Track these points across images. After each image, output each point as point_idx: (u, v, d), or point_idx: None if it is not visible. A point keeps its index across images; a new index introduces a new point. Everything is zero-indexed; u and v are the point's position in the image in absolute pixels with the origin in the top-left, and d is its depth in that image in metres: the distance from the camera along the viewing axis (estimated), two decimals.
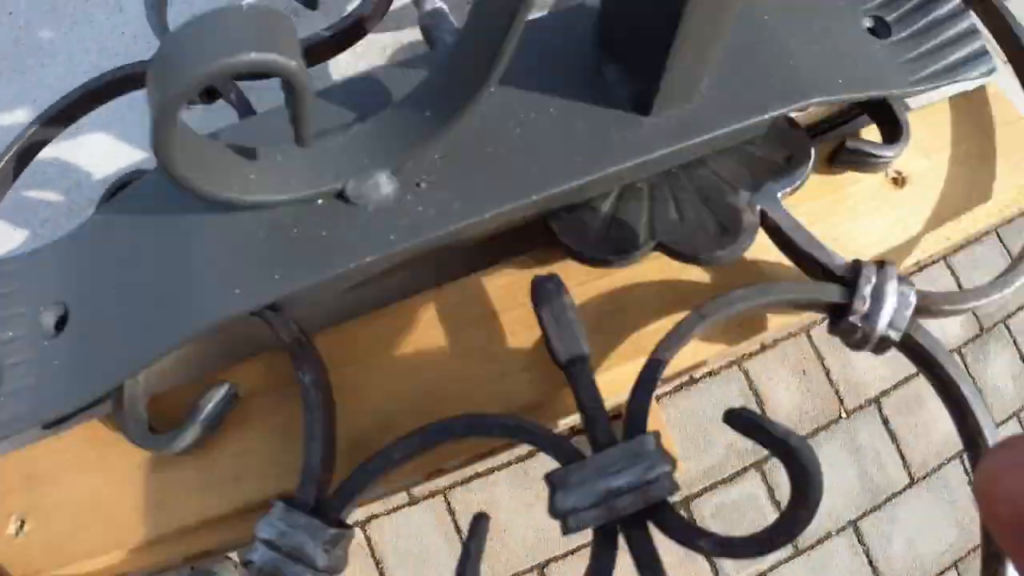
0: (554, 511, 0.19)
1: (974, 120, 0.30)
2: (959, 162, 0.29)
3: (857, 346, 0.23)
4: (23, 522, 0.25)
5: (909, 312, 0.22)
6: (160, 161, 0.17)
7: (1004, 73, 0.29)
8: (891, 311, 0.22)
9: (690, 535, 0.18)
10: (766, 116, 0.23)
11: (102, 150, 0.35)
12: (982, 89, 0.30)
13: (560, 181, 0.22)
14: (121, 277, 0.23)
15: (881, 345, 0.22)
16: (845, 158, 0.26)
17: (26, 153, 0.29)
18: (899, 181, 0.28)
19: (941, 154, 0.29)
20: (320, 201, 0.21)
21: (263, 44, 0.15)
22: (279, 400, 0.24)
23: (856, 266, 0.23)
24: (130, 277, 0.22)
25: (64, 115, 0.29)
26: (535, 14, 0.21)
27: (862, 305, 0.22)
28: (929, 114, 0.30)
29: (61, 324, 0.23)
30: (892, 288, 0.22)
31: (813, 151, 0.25)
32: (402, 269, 0.23)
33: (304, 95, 0.16)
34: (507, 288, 0.25)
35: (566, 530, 0.19)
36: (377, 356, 0.24)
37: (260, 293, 0.20)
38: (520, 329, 0.25)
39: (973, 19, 0.28)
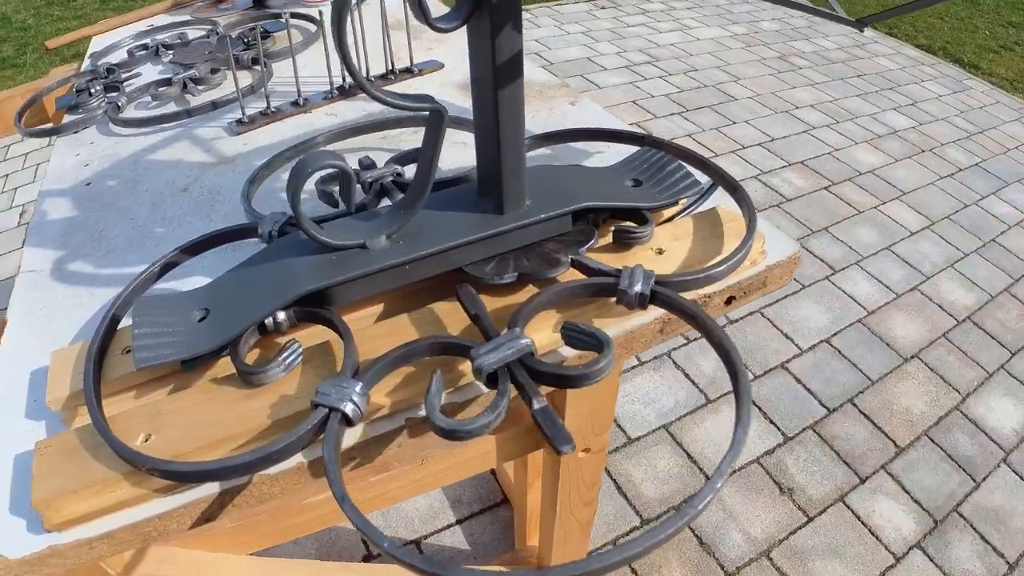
0: (476, 368, 0.42)
1: (708, 220, 0.58)
2: (698, 241, 0.57)
3: (629, 305, 0.47)
4: (149, 436, 0.43)
5: (651, 282, 0.47)
6: (300, 223, 0.44)
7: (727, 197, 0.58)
8: (640, 282, 0.47)
9: (533, 368, 0.41)
10: (560, 211, 0.52)
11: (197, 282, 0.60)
12: (715, 209, 0.59)
13: (463, 236, 0.50)
14: (241, 288, 0.48)
15: (641, 301, 0.47)
16: (618, 237, 0.55)
17: (166, 266, 0.55)
18: (661, 252, 0.55)
19: (686, 239, 0.57)
20: (354, 247, 0.49)
21: (335, 159, 0.43)
22: (324, 358, 0.47)
23: (619, 269, 0.48)
24: (247, 286, 0.48)
25: (192, 249, 0.56)
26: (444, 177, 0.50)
27: (625, 282, 0.47)
28: (678, 222, 0.58)
29: (203, 319, 0.47)
30: (639, 273, 0.48)
31: (596, 233, 0.53)
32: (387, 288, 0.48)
33: (352, 182, 0.44)
34: (445, 309, 0.51)
35: (482, 376, 0.42)
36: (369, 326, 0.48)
37: (322, 280, 0.47)
38: (453, 322, 0.50)
39: (688, 169, 0.58)
